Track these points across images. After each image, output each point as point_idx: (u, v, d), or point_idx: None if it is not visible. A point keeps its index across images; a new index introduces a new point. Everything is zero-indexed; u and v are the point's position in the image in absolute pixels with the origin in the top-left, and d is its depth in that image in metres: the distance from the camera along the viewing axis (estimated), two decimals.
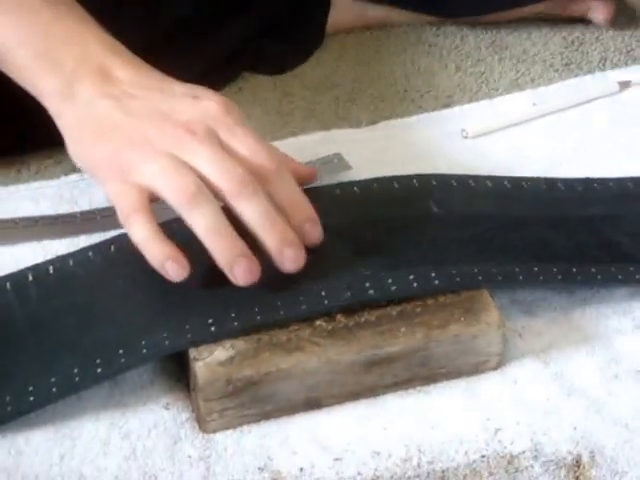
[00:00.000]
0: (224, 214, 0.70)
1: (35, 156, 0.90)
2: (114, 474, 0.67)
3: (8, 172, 0.89)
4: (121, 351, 0.69)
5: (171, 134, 0.72)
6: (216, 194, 0.71)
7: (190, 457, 0.68)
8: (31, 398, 0.68)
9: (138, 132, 0.73)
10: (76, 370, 0.69)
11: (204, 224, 0.70)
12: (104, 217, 0.80)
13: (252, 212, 0.70)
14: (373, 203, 0.78)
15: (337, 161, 0.86)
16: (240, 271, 0.70)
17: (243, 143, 0.73)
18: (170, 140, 0.72)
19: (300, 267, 0.71)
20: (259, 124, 0.95)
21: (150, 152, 0.72)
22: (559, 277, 0.75)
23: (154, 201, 0.72)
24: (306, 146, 0.89)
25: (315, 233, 0.73)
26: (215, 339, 0.69)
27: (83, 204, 0.83)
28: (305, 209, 0.73)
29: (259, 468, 0.68)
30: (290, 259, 0.70)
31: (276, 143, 0.89)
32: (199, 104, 0.74)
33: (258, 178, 0.71)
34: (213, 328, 0.69)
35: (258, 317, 0.70)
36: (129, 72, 0.76)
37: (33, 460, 0.68)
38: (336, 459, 0.68)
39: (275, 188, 0.72)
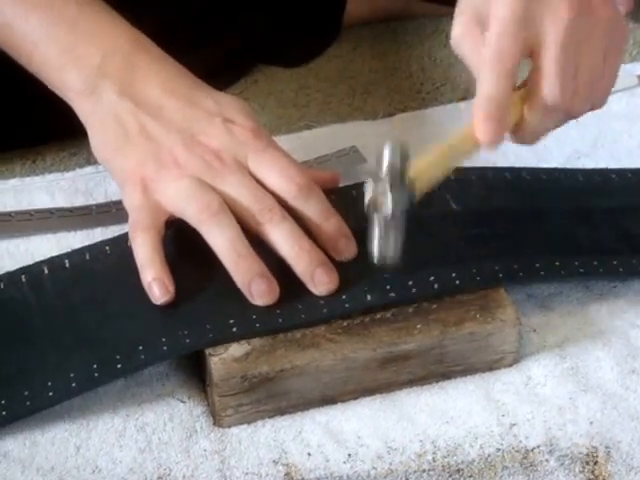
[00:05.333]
0: (244, 235, 0.71)
1: (50, 148, 0.90)
2: (129, 466, 0.67)
3: (23, 164, 0.89)
4: (141, 347, 0.69)
5: (199, 157, 0.73)
6: (239, 218, 0.72)
7: (205, 450, 0.68)
8: (50, 393, 0.68)
9: (165, 148, 0.74)
10: (95, 365, 0.69)
11: (223, 243, 0.71)
12: (119, 209, 0.80)
13: (281, 238, 0.71)
14: None
15: (353, 154, 0.86)
16: (258, 290, 0.71)
17: (272, 165, 0.73)
18: (198, 163, 0.73)
19: (334, 289, 0.71)
20: (275, 116, 0.95)
21: (176, 173, 0.73)
22: (581, 270, 0.75)
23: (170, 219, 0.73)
24: (322, 138, 0.89)
25: (350, 248, 0.73)
26: (236, 339, 0.69)
27: (98, 196, 0.83)
28: (337, 225, 0.73)
29: (273, 461, 0.68)
30: (321, 282, 0.71)
31: (292, 135, 0.89)
32: (229, 130, 0.74)
33: (289, 198, 0.72)
34: (235, 329, 0.69)
35: (280, 320, 0.70)
36: (157, 73, 0.76)
37: (49, 451, 0.68)
38: (351, 453, 0.68)
39: (306, 206, 0.73)
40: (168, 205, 0.73)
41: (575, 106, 0.72)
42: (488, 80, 0.70)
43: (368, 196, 0.68)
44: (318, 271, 0.71)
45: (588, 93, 0.72)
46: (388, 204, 0.68)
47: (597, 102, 0.74)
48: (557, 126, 0.74)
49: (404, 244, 0.70)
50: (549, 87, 0.70)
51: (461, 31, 0.73)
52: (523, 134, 0.73)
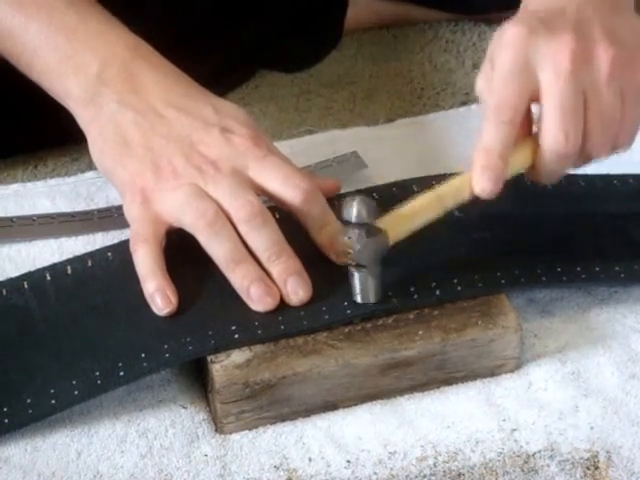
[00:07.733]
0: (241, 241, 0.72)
1: (51, 153, 0.91)
2: (130, 472, 0.67)
3: (25, 169, 0.90)
4: (143, 355, 0.69)
5: (197, 166, 0.73)
6: (233, 225, 0.72)
7: (206, 456, 0.68)
8: (53, 401, 0.68)
9: (164, 158, 0.74)
10: (97, 373, 0.69)
11: (220, 250, 0.71)
12: (120, 214, 0.80)
13: (259, 242, 0.72)
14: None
15: (353, 159, 0.86)
16: (256, 295, 0.71)
17: (275, 172, 0.74)
18: (195, 172, 0.73)
19: (305, 298, 0.71)
20: (276, 121, 0.95)
21: (174, 183, 0.73)
22: (582, 276, 0.75)
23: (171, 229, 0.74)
24: (322, 144, 0.89)
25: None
26: (238, 346, 0.69)
27: (100, 201, 0.84)
28: (337, 229, 0.73)
29: (275, 467, 0.68)
30: (292, 291, 0.71)
31: (293, 140, 0.89)
32: (228, 140, 0.74)
33: (294, 204, 0.72)
34: (237, 335, 0.70)
35: (282, 327, 0.70)
36: (156, 81, 0.76)
37: (50, 457, 0.68)
38: (351, 459, 0.68)
39: (309, 211, 0.73)
40: (166, 215, 0.73)
41: (591, 151, 0.72)
42: (487, 131, 0.71)
43: (341, 247, 0.70)
44: (291, 279, 0.71)
45: (603, 137, 0.72)
46: (359, 258, 0.69)
47: (620, 143, 0.74)
48: (578, 166, 0.74)
49: (384, 280, 0.71)
50: (552, 137, 0.71)
51: (481, 72, 0.73)
52: (538, 177, 0.73)
